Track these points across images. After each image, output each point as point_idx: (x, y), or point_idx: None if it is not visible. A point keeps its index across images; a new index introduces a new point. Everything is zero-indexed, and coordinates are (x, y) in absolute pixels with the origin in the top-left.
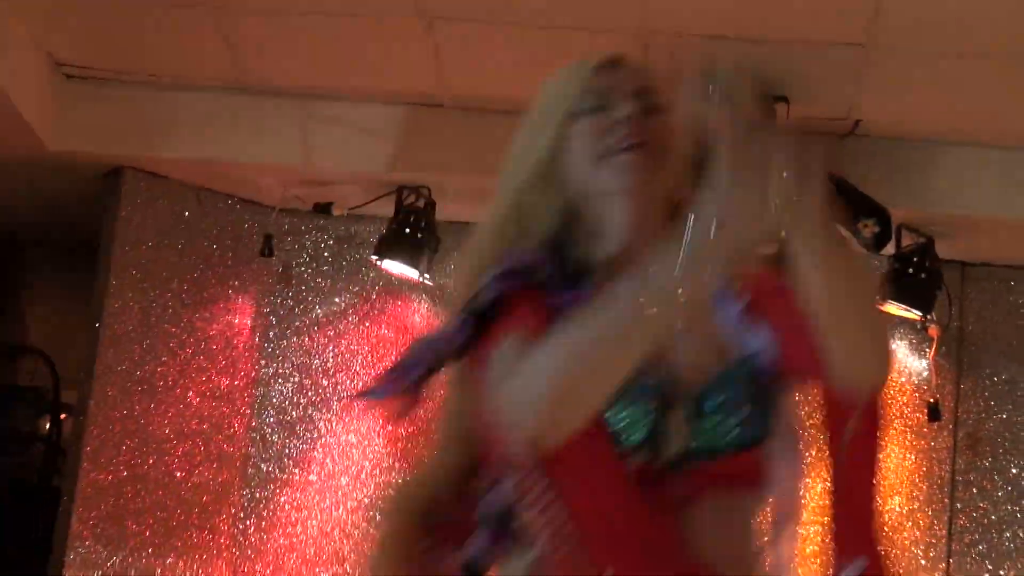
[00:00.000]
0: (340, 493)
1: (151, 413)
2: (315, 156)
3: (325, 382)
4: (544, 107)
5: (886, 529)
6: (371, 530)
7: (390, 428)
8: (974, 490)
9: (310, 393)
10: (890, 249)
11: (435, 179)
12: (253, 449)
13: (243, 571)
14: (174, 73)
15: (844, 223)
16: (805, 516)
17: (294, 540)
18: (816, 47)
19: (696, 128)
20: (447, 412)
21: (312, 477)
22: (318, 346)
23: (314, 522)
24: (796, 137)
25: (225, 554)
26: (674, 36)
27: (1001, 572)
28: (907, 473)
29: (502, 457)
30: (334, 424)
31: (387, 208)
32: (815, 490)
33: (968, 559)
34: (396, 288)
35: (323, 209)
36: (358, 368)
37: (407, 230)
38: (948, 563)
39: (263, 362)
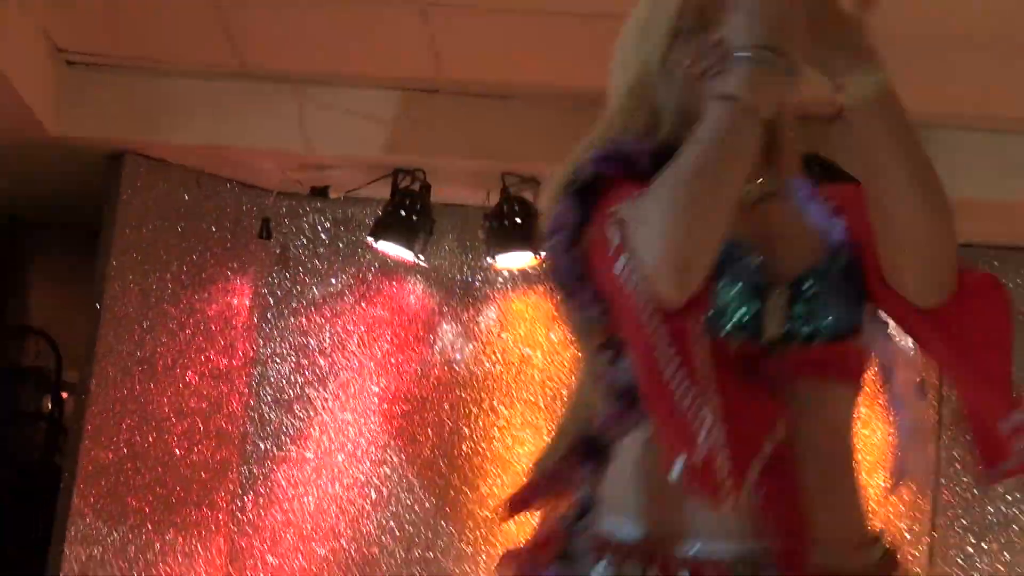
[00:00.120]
0: (336, 470)
1: (151, 392)
2: (312, 140)
3: (322, 361)
4: (647, 19)
5: (870, 503)
6: (366, 506)
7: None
8: (958, 465)
9: (307, 372)
10: None
11: (430, 162)
12: (251, 427)
13: (240, 546)
14: (174, 59)
15: None
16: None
17: (291, 516)
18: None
19: None
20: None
21: (309, 454)
22: (315, 326)
23: (310, 498)
24: None
25: (223, 530)
26: None
27: (984, 545)
28: (892, 449)
29: (628, 324)
30: (330, 402)
31: (383, 191)
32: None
33: (951, 533)
34: (392, 269)
35: (320, 192)
36: (354, 348)
37: (402, 212)
38: (932, 536)
39: (261, 342)
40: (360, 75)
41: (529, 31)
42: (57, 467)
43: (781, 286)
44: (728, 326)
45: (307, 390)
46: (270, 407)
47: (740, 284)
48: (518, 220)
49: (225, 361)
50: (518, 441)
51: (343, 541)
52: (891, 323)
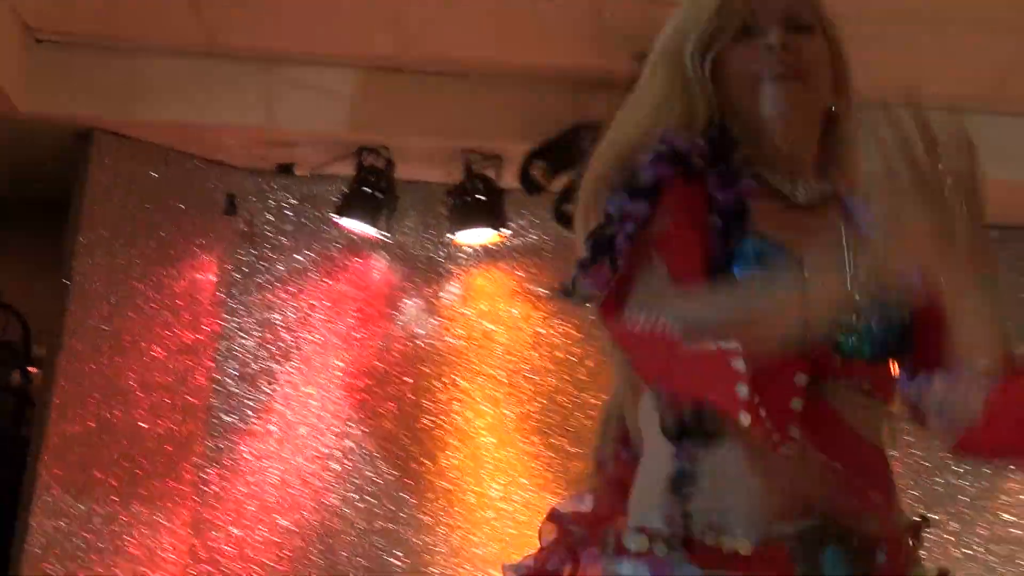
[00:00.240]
0: (300, 443)
1: (118, 366)
2: (278, 118)
3: (286, 336)
4: (687, 15)
5: None
6: (329, 478)
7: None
8: (908, 437)
9: (272, 347)
10: None
11: (394, 140)
12: (216, 401)
13: (205, 518)
14: (143, 37)
15: None
16: None
17: (254, 488)
18: None
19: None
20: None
21: (273, 428)
22: (280, 301)
23: (274, 471)
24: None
25: (188, 502)
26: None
27: (934, 516)
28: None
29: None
30: (295, 376)
31: (348, 168)
32: None
33: (902, 504)
34: (356, 246)
35: (286, 169)
36: (318, 323)
37: (367, 189)
38: None
39: (227, 317)
40: (326, 54)
41: (491, 11)
42: (25, 440)
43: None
44: None
45: (272, 364)
46: (235, 381)
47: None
48: (480, 197)
49: (191, 336)
50: (479, 414)
51: (306, 512)
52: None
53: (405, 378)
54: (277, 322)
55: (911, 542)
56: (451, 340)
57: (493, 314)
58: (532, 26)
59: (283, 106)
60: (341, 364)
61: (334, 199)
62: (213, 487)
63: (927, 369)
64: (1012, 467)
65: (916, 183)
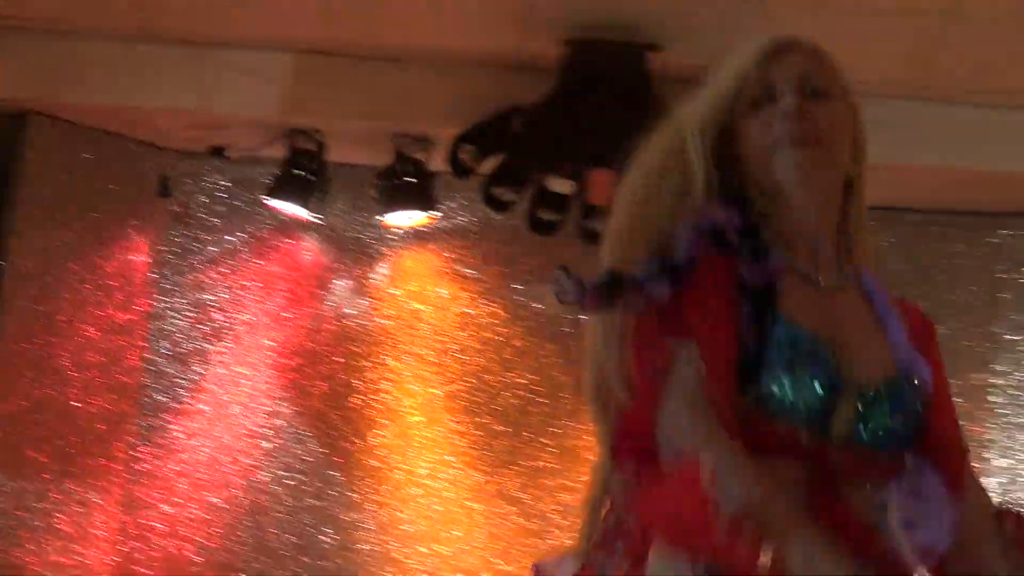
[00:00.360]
0: (230, 422)
1: (51, 346)
2: (212, 101)
3: (218, 316)
4: (711, 90)
5: None
6: (259, 456)
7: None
8: None
9: (203, 327)
10: None
11: (326, 123)
12: (148, 380)
13: (137, 496)
14: (77, 21)
15: None
16: None
17: (186, 466)
18: None
19: None
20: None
21: (204, 406)
22: (211, 282)
23: (205, 449)
24: None
25: (120, 480)
26: None
27: None
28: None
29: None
30: (226, 356)
31: (281, 151)
32: None
33: None
34: (287, 227)
35: (219, 152)
36: (249, 303)
37: (298, 171)
38: None
39: (159, 297)
40: (259, 38)
41: None
42: None
43: (854, 389)
44: (797, 417)
45: (203, 344)
46: (167, 360)
47: (816, 380)
48: (410, 179)
49: (124, 316)
50: (407, 394)
51: (236, 490)
52: None
53: (335, 358)
54: (209, 302)
55: None
56: (380, 320)
57: (422, 295)
58: (462, 10)
59: (216, 89)
60: (272, 344)
61: (266, 181)
62: (145, 465)
63: None
64: None
65: None
